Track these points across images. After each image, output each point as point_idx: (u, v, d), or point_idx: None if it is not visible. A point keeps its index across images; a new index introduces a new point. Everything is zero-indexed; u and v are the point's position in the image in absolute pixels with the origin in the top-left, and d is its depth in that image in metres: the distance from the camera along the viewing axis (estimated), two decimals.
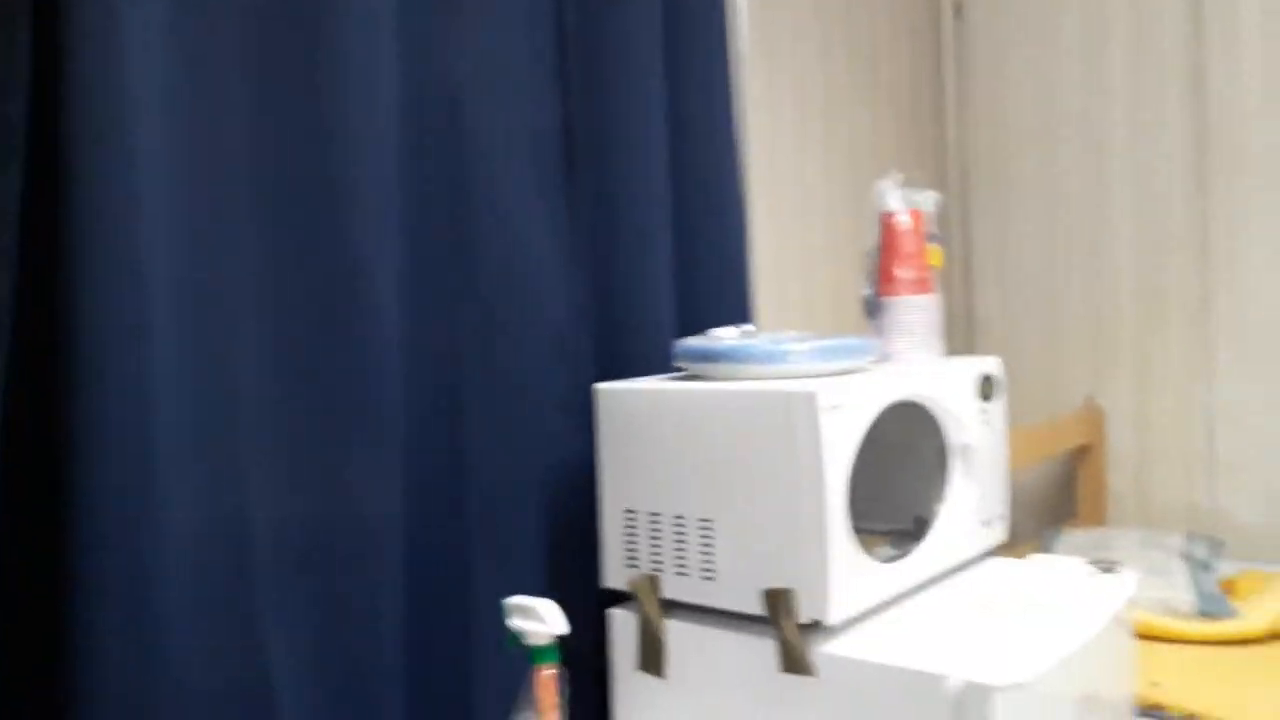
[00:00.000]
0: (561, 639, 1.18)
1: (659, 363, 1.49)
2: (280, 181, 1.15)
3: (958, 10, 2.72)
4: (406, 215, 1.27)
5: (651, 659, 1.30)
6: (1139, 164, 2.46)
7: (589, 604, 1.40)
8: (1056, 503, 2.60)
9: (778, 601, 1.18)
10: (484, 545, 1.34)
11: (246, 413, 1.11)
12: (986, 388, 1.40)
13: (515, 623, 1.18)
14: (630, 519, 1.33)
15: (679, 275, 1.60)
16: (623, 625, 1.34)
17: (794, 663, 1.17)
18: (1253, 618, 1.79)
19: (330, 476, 1.17)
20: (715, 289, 1.63)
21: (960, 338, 2.74)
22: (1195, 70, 2.37)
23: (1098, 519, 2.47)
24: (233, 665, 1.10)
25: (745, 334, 1.34)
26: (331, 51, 1.15)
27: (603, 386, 1.35)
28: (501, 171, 1.35)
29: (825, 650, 1.16)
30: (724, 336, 1.33)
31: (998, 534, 1.45)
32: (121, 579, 0.98)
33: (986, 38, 2.68)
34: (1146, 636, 1.77)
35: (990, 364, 1.42)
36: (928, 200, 1.42)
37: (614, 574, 1.35)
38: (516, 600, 1.19)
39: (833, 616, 1.16)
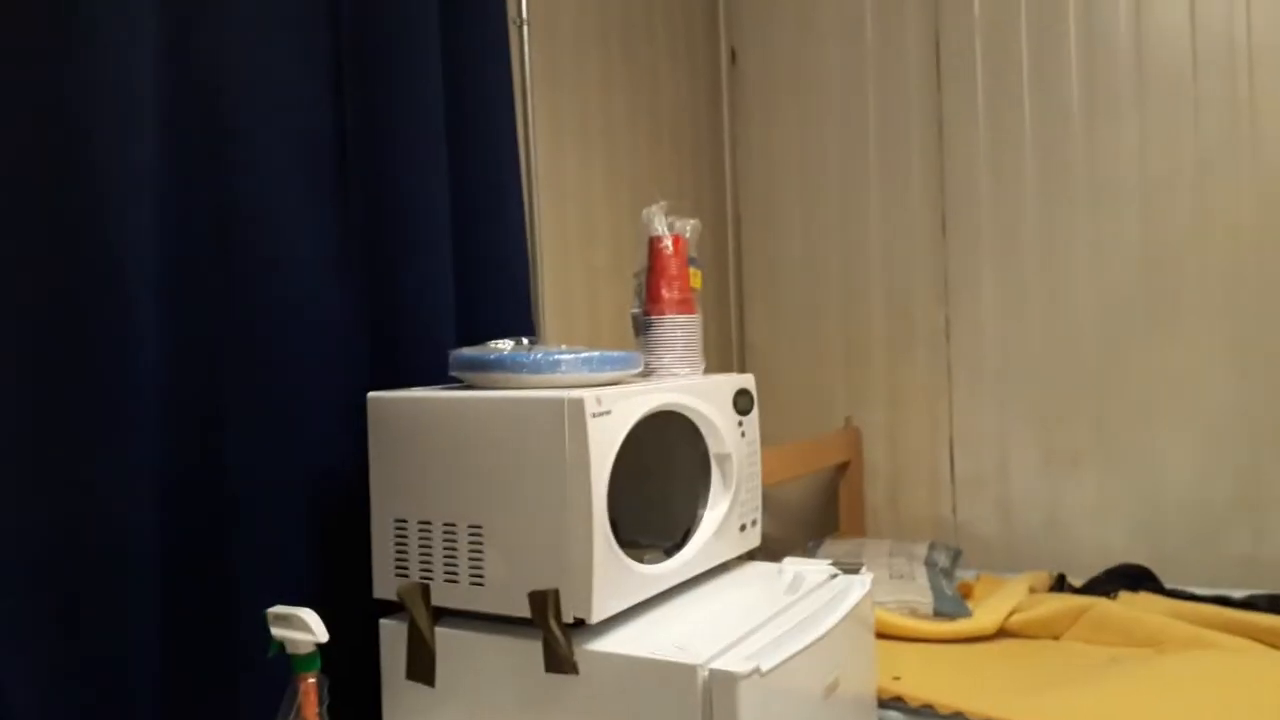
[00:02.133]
0: (333, 649, 1.17)
1: (438, 374, 1.51)
2: (22, 172, 1.10)
3: (732, 56, 2.91)
4: (166, 216, 1.24)
5: (421, 668, 1.30)
6: (889, 204, 2.71)
7: (361, 614, 1.38)
8: (820, 516, 2.79)
9: (543, 602, 1.22)
10: (248, 554, 1.30)
11: None
12: (743, 401, 1.50)
13: (277, 631, 1.16)
14: (401, 527, 1.33)
15: (460, 288, 1.62)
16: (393, 635, 1.34)
17: (558, 662, 1.21)
18: (984, 617, 1.99)
19: (72, 481, 1.12)
20: (497, 303, 1.67)
21: (733, 361, 2.90)
22: (935, 126, 2.64)
23: (857, 530, 2.67)
24: None
25: (522, 346, 1.39)
26: (87, 39, 1.11)
27: (375, 395, 1.35)
28: (270, 172, 1.34)
29: (587, 647, 1.20)
30: (500, 348, 1.37)
31: (753, 538, 1.55)
32: None
33: (758, 82, 2.88)
34: (890, 635, 1.93)
35: (745, 380, 1.53)
36: (690, 227, 1.52)
37: (384, 584, 1.35)
38: (278, 609, 1.17)
39: (596, 614, 1.21)
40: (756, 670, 1.13)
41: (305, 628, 1.15)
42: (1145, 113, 2.39)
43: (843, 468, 2.68)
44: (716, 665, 1.14)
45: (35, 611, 1.10)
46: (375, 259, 1.49)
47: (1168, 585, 2.21)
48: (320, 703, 1.17)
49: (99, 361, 1.13)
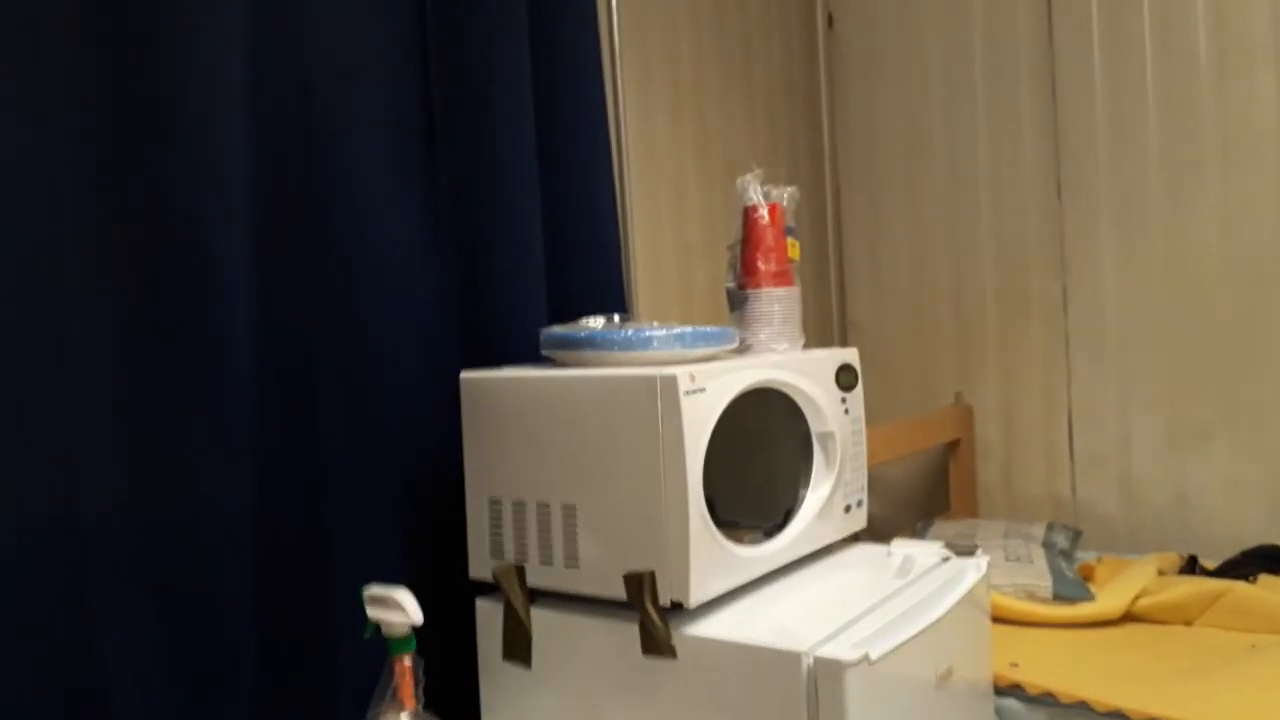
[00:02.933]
0: (429, 630, 1.17)
1: (530, 353, 1.49)
2: (122, 163, 1.11)
3: (829, 21, 2.80)
4: (257, 197, 1.24)
5: (517, 648, 1.29)
6: (999, 173, 2.57)
7: (456, 594, 1.38)
8: (930, 496, 2.69)
9: (639, 584, 1.18)
10: (344, 534, 1.31)
11: (81, 397, 1.07)
12: (845, 377, 1.43)
13: (373, 612, 1.16)
14: (495, 508, 1.32)
15: (553, 266, 1.60)
16: (488, 615, 1.33)
17: (654, 644, 1.17)
18: (1107, 601, 1.88)
19: (174, 466, 1.13)
20: (590, 280, 1.64)
21: (834, 338, 2.81)
22: (1048, 86, 2.49)
23: (968, 511, 2.56)
24: (69, 677, 1.04)
25: (613, 324, 1.35)
26: (174, 26, 1.12)
27: (467, 375, 1.34)
28: (358, 154, 1.33)
29: (685, 631, 1.17)
30: (591, 325, 1.33)
31: (858, 519, 1.49)
32: None
33: (857, 48, 2.77)
34: (1006, 620, 1.84)
35: (848, 355, 1.46)
36: (787, 196, 1.46)
37: (479, 564, 1.34)
38: (374, 589, 1.17)
39: (694, 598, 1.17)
40: (865, 658, 1.07)
41: (401, 609, 1.15)
42: None
43: (953, 446, 2.57)
44: (822, 653, 1.08)
45: (135, 592, 1.12)
46: (465, 237, 1.47)
47: None
48: (416, 684, 1.17)
49: (194, 343, 1.14)
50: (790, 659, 1.09)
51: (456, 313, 1.47)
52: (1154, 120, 2.36)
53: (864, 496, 1.49)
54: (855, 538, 1.51)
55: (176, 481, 1.14)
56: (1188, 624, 1.85)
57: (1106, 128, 2.42)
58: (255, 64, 1.24)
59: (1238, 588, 1.84)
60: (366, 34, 1.36)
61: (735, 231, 1.46)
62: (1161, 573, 2.02)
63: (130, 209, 1.11)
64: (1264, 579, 1.95)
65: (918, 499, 2.71)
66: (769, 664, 1.10)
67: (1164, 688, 1.52)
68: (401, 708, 1.15)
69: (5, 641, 1.00)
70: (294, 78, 1.28)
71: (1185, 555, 2.14)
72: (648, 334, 1.24)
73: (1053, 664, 1.65)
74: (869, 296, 2.80)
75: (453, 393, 1.40)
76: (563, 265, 1.62)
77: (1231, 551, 2.18)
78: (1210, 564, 2.13)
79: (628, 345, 1.24)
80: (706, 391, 1.20)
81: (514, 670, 1.31)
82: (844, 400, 1.43)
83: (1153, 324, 2.38)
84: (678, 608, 1.19)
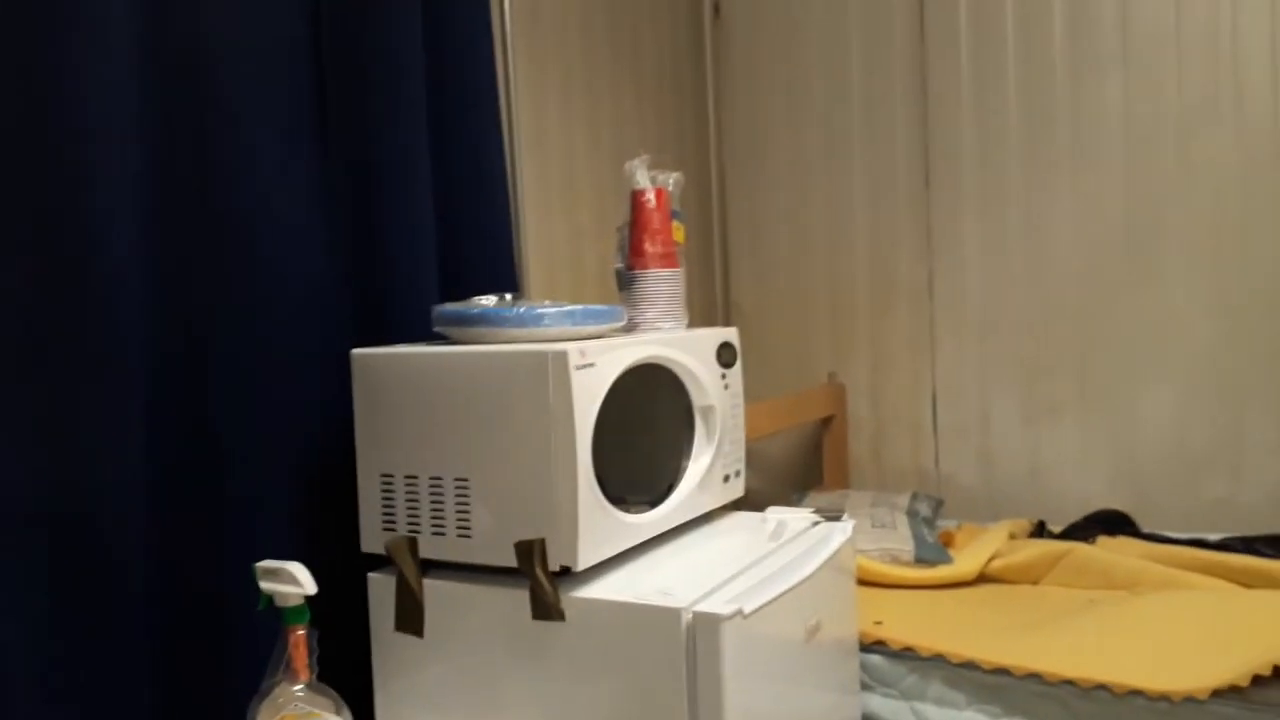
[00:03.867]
0: (322, 603, 1.19)
1: (422, 331, 1.52)
2: (8, 142, 1.09)
3: (716, 9, 2.89)
4: (148, 178, 1.23)
5: (410, 619, 1.32)
6: (873, 164, 2.71)
7: (348, 568, 1.40)
8: (805, 470, 2.83)
9: (529, 551, 1.24)
10: (235, 510, 1.32)
11: None
12: (725, 354, 1.51)
13: (266, 585, 1.18)
14: (387, 482, 1.35)
15: (444, 247, 1.62)
16: (380, 588, 1.36)
17: (545, 608, 1.23)
18: (963, 563, 2.03)
19: (63, 444, 1.12)
20: (481, 260, 1.67)
21: (718, 318, 2.91)
22: (919, 82, 2.64)
23: (840, 483, 2.71)
24: None
25: (505, 302, 1.39)
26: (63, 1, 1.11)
27: (359, 352, 1.36)
28: (250, 135, 1.33)
29: (573, 595, 1.23)
30: (484, 303, 1.37)
31: (737, 489, 1.57)
32: None
33: (742, 38, 2.87)
34: (872, 582, 1.97)
35: (729, 334, 1.54)
36: (673, 180, 1.52)
37: (371, 538, 1.37)
38: (266, 563, 1.18)
39: (581, 562, 1.23)
40: (739, 612, 1.15)
41: (294, 581, 1.17)
42: (1129, 67, 2.39)
43: (827, 422, 2.70)
44: (700, 608, 1.16)
45: (24, 563, 1.11)
46: (357, 215, 1.49)
47: (1145, 530, 2.25)
48: (310, 654, 1.19)
49: (86, 325, 1.13)
50: (670, 615, 1.16)
51: (348, 292, 1.49)
52: (1015, 118, 2.53)
53: (742, 467, 1.58)
54: (734, 507, 1.60)
55: (65, 460, 1.13)
56: (1035, 583, 2.02)
57: (972, 123, 2.58)
58: (146, 43, 1.23)
59: (1079, 549, 2.02)
60: (259, 14, 1.36)
61: (624, 214, 1.52)
62: (1013, 536, 2.19)
63: (19, 190, 1.10)
64: (1103, 540, 2.14)
65: (793, 472, 2.85)
66: (651, 621, 1.17)
67: (1013, 640, 1.66)
68: (296, 678, 1.17)
69: None
70: (186, 60, 1.27)
71: (1035, 521, 2.33)
72: (539, 311, 1.29)
73: (914, 622, 1.78)
74: (751, 280, 2.91)
75: (344, 371, 1.41)
76: (454, 246, 1.65)
77: (1077, 516, 2.38)
78: (1056, 528, 2.32)
79: (519, 322, 1.29)
80: (595, 366, 1.25)
81: (407, 640, 1.34)
82: (724, 376, 1.51)
83: (1011, 308, 2.56)
84: (566, 572, 1.24)
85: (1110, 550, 2.05)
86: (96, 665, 1.17)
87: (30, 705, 1.11)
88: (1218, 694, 1.45)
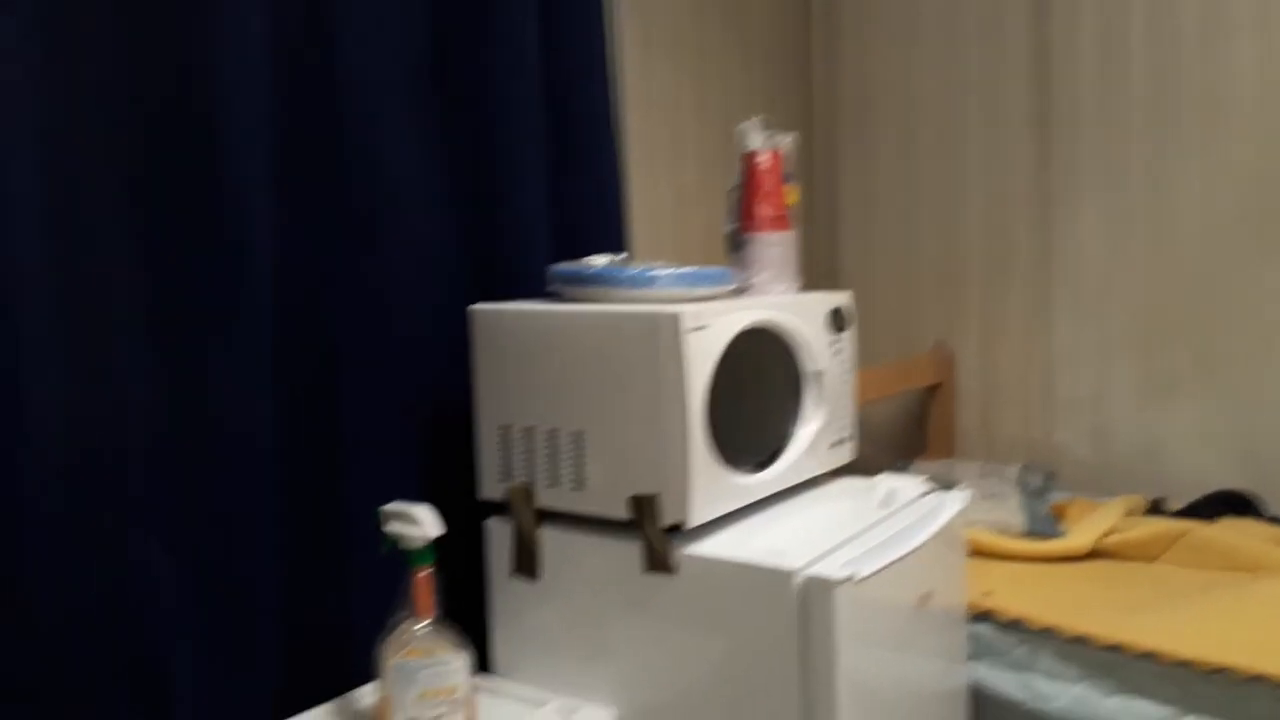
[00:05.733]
0: (439, 548, 1.23)
1: (534, 290, 1.54)
2: (151, 104, 1.16)
3: None
4: (279, 140, 1.29)
5: (525, 564, 1.37)
6: (989, 124, 2.62)
7: (465, 515, 1.45)
8: (908, 438, 2.78)
9: (643, 506, 1.26)
10: (359, 455, 1.38)
11: (117, 307, 1.13)
12: (838, 320, 1.50)
13: (392, 527, 1.23)
14: (505, 433, 1.38)
15: (555, 206, 1.65)
16: (498, 533, 1.41)
17: (657, 562, 1.25)
18: (1076, 538, 1.98)
19: (201, 377, 1.20)
20: (590, 221, 1.69)
21: (824, 282, 2.88)
22: (1038, 44, 2.53)
23: (947, 452, 2.66)
24: (103, 567, 1.11)
25: (616, 262, 1.41)
26: None
27: (478, 307, 1.40)
28: (375, 95, 1.38)
29: (685, 551, 1.25)
30: (597, 263, 1.39)
31: (845, 454, 1.57)
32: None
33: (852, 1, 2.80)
34: (982, 553, 1.94)
35: (841, 298, 1.53)
36: (787, 141, 1.51)
37: (489, 486, 1.41)
38: (393, 506, 1.23)
39: (693, 519, 1.25)
40: (852, 577, 1.16)
41: (418, 523, 1.22)
42: (1262, 29, 2.25)
43: (933, 390, 2.66)
44: (813, 571, 1.17)
45: (168, 509, 1.19)
46: (475, 173, 1.52)
47: (1270, 513, 2.15)
48: (433, 594, 1.24)
49: (222, 273, 1.20)
50: (783, 577, 1.18)
51: (466, 250, 1.53)
52: (1139, 81, 2.41)
53: (850, 433, 1.57)
54: (844, 472, 1.59)
55: (202, 395, 1.20)
56: (1151, 561, 1.95)
57: (1095, 88, 2.47)
58: (276, 14, 1.28)
59: (1200, 528, 1.95)
60: None
61: (736, 176, 1.51)
62: (1129, 513, 2.12)
63: (161, 153, 1.16)
64: (1224, 521, 2.06)
65: (897, 441, 2.81)
66: (763, 581, 1.19)
67: (1126, 618, 1.62)
68: (420, 617, 1.22)
69: (53, 545, 1.06)
70: (315, 28, 1.32)
71: (1151, 498, 2.25)
72: (653, 273, 1.31)
73: (1023, 594, 1.75)
74: (858, 244, 2.86)
75: (463, 325, 1.45)
76: (566, 206, 1.67)
77: (1196, 496, 2.29)
78: (1174, 506, 2.24)
79: (634, 283, 1.30)
80: (708, 329, 1.26)
81: (521, 585, 1.39)
82: (835, 341, 1.50)
83: (1131, 278, 2.46)
84: (677, 529, 1.27)
85: (1233, 532, 1.97)
86: (230, 602, 1.24)
87: (175, 641, 1.19)
88: None
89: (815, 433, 1.48)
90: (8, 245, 1.02)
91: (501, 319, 1.38)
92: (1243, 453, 2.35)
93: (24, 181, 1.04)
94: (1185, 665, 1.49)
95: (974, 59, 2.63)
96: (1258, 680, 1.44)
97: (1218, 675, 1.46)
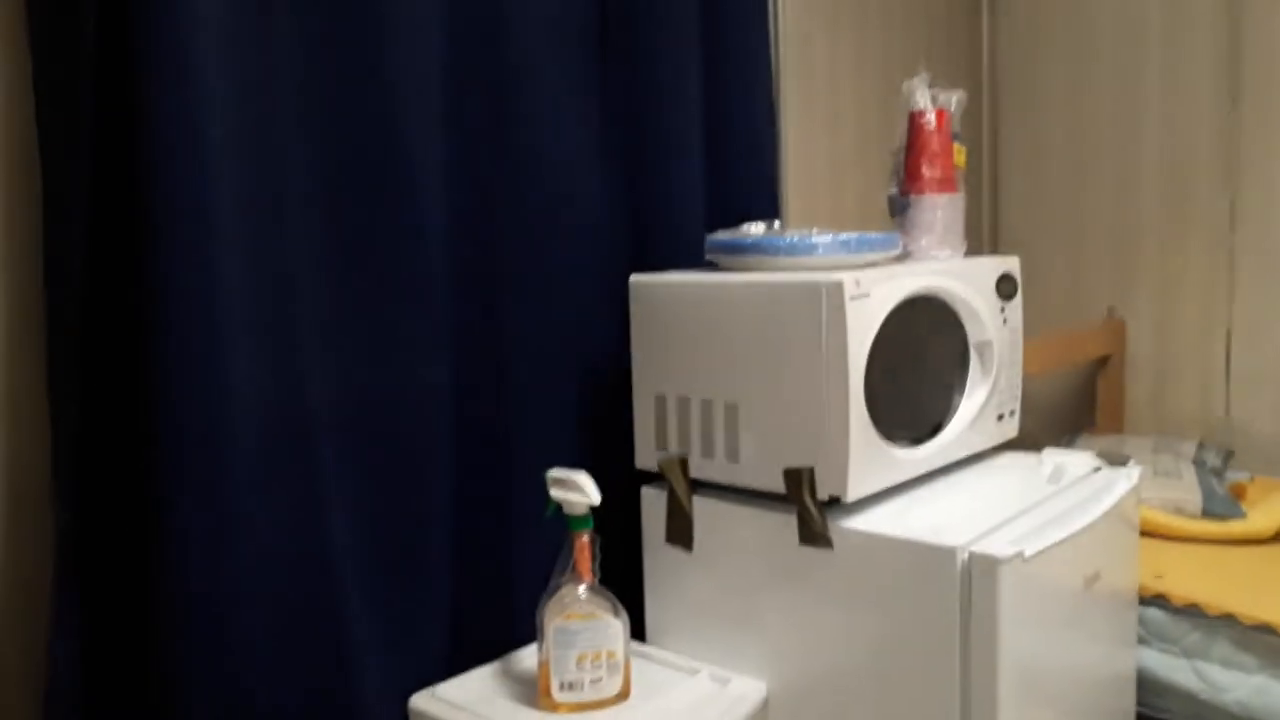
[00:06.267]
0: (596, 513, 1.27)
1: (690, 258, 1.55)
2: (330, 76, 1.21)
3: None
4: (448, 106, 1.33)
5: (680, 533, 1.39)
6: (1171, 79, 2.44)
7: (622, 482, 1.48)
8: (1076, 411, 2.66)
9: (798, 479, 1.26)
10: (524, 422, 1.42)
11: (304, 286, 1.19)
12: (1006, 287, 1.44)
13: (555, 492, 1.26)
14: (661, 403, 1.40)
15: (710, 174, 1.64)
16: (653, 502, 1.43)
17: (812, 535, 1.25)
18: (1260, 519, 1.85)
19: (383, 350, 1.26)
20: (745, 189, 1.68)
21: (986, 248, 2.76)
22: None
23: (1115, 427, 2.53)
24: (297, 528, 1.19)
25: (773, 230, 1.39)
26: None
27: (637, 278, 1.41)
28: (539, 67, 1.40)
29: (842, 524, 1.24)
30: (754, 231, 1.38)
31: (1011, 428, 1.51)
32: (193, 441, 1.07)
33: None
34: (1154, 533, 1.84)
35: (1009, 264, 1.46)
36: (954, 100, 1.45)
37: (645, 455, 1.43)
38: (556, 472, 1.27)
39: (851, 493, 1.24)
40: (1019, 555, 1.12)
41: (581, 489, 1.25)
42: None
43: (1103, 361, 2.52)
44: (977, 548, 1.14)
45: (353, 465, 1.26)
46: (633, 149, 1.53)
47: None
48: (593, 559, 1.27)
49: (401, 247, 1.26)
50: (945, 554, 1.15)
51: (626, 220, 1.54)
52: None
53: (1017, 407, 1.51)
54: (1005, 447, 1.54)
55: (383, 366, 1.26)
56: None
57: None
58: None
59: None
60: None
61: (900, 136, 1.47)
62: None
63: (342, 123, 1.22)
64: None
65: (1063, 415, 2.68)
66: (924, 558, 1.16)
67: None
68: (580, 580, 1.26)
69: (249, 498, 1.14)
70: (483, 7, 1.34)
71: None
72: (813, 240, 1.29)
73: (1199, 578, 1.65)
74: (1023, 207, 2.73)
75: (622, 294, 1.47)
76: (721, 173, 1.66)
77: None
78: None
79: (793, 250, 1.29)
80: (870, 297, 1.24)
81: (675, 553, 1.41)
82: (1003, 309, 1.45)
83: None
84: (834, 502, 1.25)
85: None
86: (406, 560, 1.31)
87: (351, 594, 1.26)
88: None
89: (980, 405, 1.44)
90: (216, 240, 1.09)
91: (659, 289, 1.39)
92: None
93: (233, 182, 1.11)
94: None
95: (1154, 5, 2.45)
96: None
97: None
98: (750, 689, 1.31)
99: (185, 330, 1.05)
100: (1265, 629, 1.50)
